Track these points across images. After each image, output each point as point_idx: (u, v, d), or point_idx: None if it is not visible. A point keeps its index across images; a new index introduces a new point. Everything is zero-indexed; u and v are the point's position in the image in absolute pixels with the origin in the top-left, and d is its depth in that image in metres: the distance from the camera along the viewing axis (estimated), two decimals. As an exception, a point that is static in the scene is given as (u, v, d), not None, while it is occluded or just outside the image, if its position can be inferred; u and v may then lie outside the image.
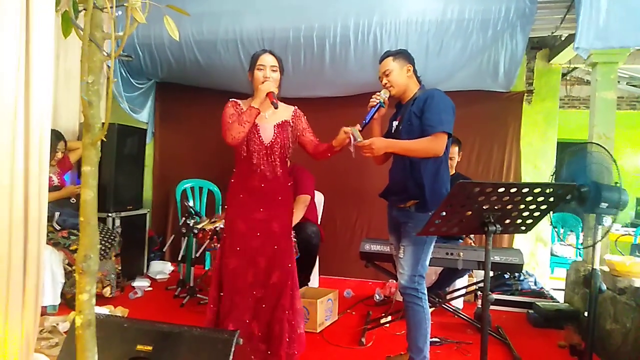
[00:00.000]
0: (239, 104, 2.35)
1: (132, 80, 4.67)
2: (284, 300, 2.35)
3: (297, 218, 3.65)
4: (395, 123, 2.49)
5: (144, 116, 4.95)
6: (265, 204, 2.35)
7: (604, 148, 2.57)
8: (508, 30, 3.67)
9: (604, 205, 2.43)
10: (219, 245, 2.37)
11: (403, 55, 2.43)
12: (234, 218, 2.37)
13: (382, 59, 2.45)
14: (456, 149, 3.55)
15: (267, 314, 2.36)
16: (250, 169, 2.33)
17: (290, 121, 2.40)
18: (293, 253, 2.49)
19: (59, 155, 3.53)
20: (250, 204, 2.35)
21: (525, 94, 4.56)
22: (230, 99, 2.40)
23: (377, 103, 2.38)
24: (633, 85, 6.46)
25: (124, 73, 4.53)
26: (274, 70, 2.32)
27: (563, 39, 4.33)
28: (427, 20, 3.60)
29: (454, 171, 3.58)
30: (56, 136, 3.44)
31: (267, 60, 2.32)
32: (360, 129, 2.27)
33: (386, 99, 2.41)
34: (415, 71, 2.44)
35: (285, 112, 2.41)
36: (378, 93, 2.41)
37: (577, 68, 5.41)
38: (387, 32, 3.67)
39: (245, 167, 2.35)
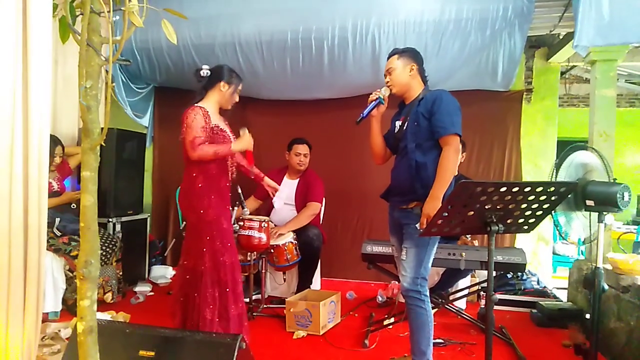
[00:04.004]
0: (209, 115, 2.50)
1: (132, 85, 4.67)
2: None
3: (301, 223, 3.64)
4: (398, 123, 2.47)
5: (145, 121, 4.96)
6: (228, 203, 2.66)
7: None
8: (506, 29, 3.67)
9: (589, 202, 2.42)
10: (204, 248, 2.50)
11: (409, 53, 2.40)
12: (217, 218, 2.53)
13: (389, 56, 2.43)
14: None
15: None
16: (221, 170, 2.58)
17: None
18: None
19: (57, 160, 3.52)
20: (221, 204, 2.58)
21: (525, 93, 4.56)
22: (195, 105, 2.52)
23: (377, 98, 2.40)
24: (632, 83, 6.46)
25: (123, 78, 4.53)
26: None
27: (561, 37, 4.33)
28: (425, 20, 3.60)
29: (456, 172, 3.55)
30: (53, 141, 3.43)
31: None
32: (358, 121, 2.41)
33: (386, 96, 2.42)
34: (421, 71, 2.41)
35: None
36: (379, 89, 2.42)
37: (575, 66, 5.42)
38: (385, 33, 3.67)
39: (216, 169, 2.55)
